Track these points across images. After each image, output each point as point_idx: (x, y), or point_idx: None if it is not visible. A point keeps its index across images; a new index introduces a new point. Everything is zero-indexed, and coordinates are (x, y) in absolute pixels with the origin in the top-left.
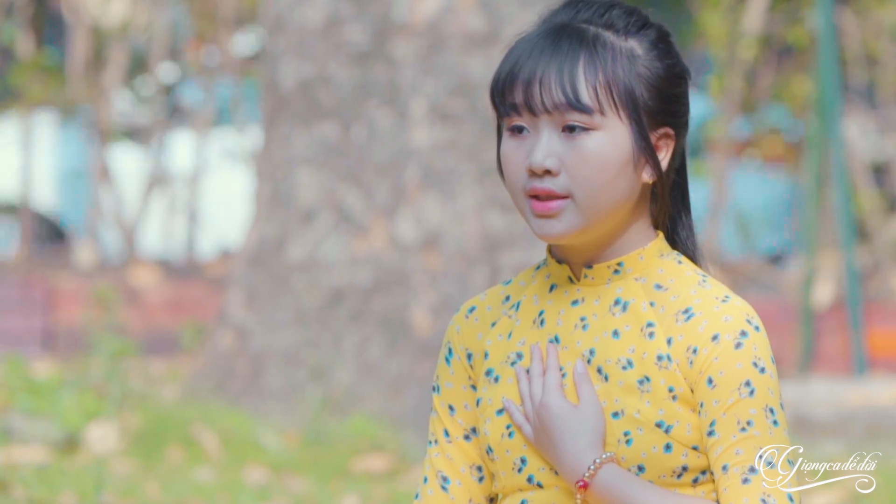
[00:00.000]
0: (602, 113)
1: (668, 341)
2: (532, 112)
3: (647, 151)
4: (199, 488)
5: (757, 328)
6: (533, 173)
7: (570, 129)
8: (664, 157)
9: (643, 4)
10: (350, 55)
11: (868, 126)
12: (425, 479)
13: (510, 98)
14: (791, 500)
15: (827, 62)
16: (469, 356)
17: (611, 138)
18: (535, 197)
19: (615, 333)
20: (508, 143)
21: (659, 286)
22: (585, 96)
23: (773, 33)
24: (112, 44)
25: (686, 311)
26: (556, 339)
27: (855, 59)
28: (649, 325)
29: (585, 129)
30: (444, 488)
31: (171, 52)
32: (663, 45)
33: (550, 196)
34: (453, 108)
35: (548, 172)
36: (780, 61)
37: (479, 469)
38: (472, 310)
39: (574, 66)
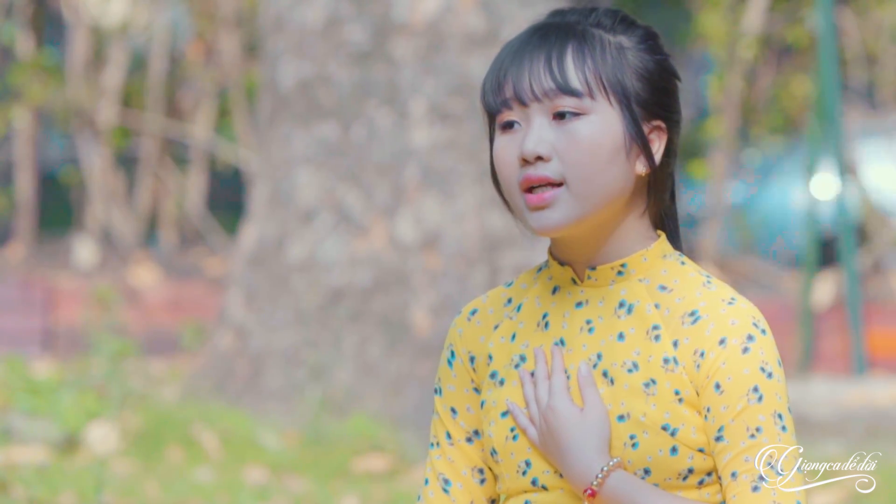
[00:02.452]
0: (592, 97)
1: (675, 344)
2: (522, 102)
3: (639, 139)
4: (199, 488)
5: (763, 331)
6: (525, 162)
7: (560, 115)
8: (657, 150)
9: (644, 4)
10: (350, 55)
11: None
12: (427, 481)
13: (501, 94)
14: None
15: (827, 62)
16: (472, 359)
17: (602, 123)
18: (530, 191)
19: (620, 336)
20: (500, 140)
21: (663, 287)
22: (574, 80)
23: (773, 33)
24: (112, 44)
25: (692, 313)
26: (562, 342)
27: (855, 59)
28: (655, 327)
29: (576, 114)
30: (445, 490)
31: (171, 51)
32: (652, 41)
33: (544, 182)
34: (453, 108)
35: (539, 159)
36: (780, 61)
37: (481, 471)
38: (473, 312)
39: (562, 53)
